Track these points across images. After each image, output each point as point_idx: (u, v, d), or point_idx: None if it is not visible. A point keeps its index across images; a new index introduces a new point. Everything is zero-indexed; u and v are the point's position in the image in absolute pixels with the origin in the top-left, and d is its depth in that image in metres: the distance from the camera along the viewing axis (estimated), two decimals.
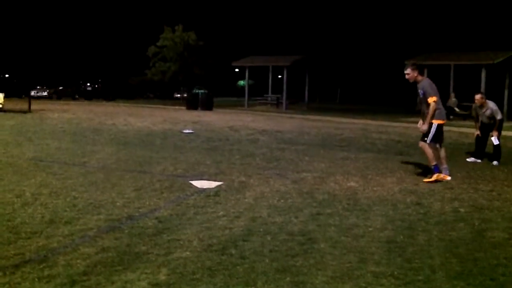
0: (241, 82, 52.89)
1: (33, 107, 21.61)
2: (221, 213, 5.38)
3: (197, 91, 31.28)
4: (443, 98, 28.16)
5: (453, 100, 24.56)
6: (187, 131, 14.54)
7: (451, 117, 24.07)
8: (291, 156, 10.13)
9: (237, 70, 48.67)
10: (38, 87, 47.55)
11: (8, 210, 5.21)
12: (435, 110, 7.38)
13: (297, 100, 36.71)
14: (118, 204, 5.63)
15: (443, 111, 7.76)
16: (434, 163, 7.48)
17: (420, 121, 7.76)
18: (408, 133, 15.96)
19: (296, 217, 5.29)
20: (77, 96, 46.38)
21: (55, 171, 7.44)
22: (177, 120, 18.78)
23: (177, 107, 31.36)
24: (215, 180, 7.12)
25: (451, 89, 26.77)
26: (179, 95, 47.40)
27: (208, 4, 63.03)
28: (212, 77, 47.22)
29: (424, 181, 7.37)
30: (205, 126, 16.73)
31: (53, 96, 45.24)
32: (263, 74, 38.83)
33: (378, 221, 5.26)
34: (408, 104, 31.29)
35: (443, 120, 7.64)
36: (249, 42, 55.21)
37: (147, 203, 5.74)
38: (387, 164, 9.19)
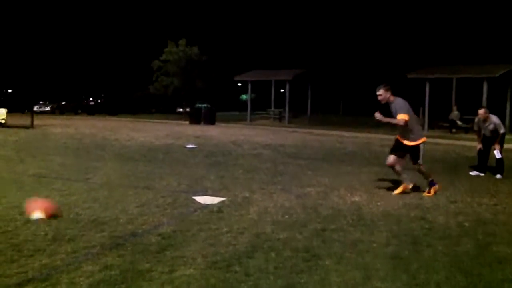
0: (244, 96, 53.08)
1: (36, 122, 21.68)
2: (224, 229, 5.36)
3: (199, 106, 31.35)
4: (446, 111, 28.10)
5: (455, 113, 24.59)
6: (190, 146, 14.56)
7: (453, 130, 24.09)
8: (295, 170, 10.12)
9: (239, 84, 48.88)
10: (40, 102, 47.80)
11: (11, 227, 5.21)
12: (407, 125, 7.31)
13: (299, 113, 36.76)
14: (121, 220, 5.62)
15: (420, 128, 7.92)
16: (431, 178, 7.65)
17: (379, 114, 7.46)
18: None
19: (301, 233, 5.27)
20: (79, 111, 46.56)
21: (58, 188, 7.44)
22: (180, 135, 18.81)
23: (179, 121, 31.43)
24: (218, 196, 7.10)
25: (453, 102, 26.82)
26: (181, 110, 47.57)
27: (211, 19, 63.53)
28: (214, 92, 47.40)
29: (424, 195, 7.47)
30: (208, 140, 16.75)
31: (55, 111, 45.43)
32: (265, 88, 38.98)
33: (382, 236, 5.23)
34: None
35: (424, 137, 7.75)
36: (251, 56, 55.53)
37: (151, 219, 5.72)
38: (391, 178, 9.15)
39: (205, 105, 30.94)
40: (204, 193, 7.31)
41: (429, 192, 7.54)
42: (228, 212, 6.18)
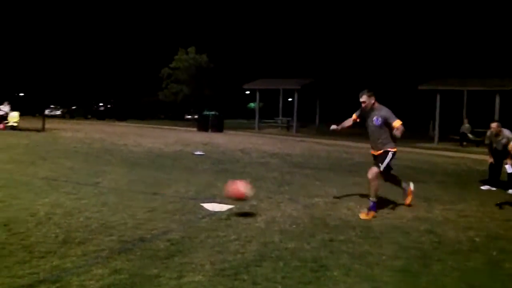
0: (252, 105, 53.21)
1: (46, 126, 21.85)
2: (232, 237, 5.36)
3: (207, 113, 31.45)
4: (457, 124, 27.83)
5: (466, 126, 24.47)
6: (198, 153, 14.59)
7: (464, 143, 23.96)
8: (302, 180, 10.10)
9: (247, 92, 49.04)
10: (51, 106, 48.18)
11: (23, 229, 5.24)
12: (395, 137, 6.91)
13: (307, 123, 36.75)
14: (130, 225, 5.64)
15: None
16: (375, 199, 6.88)
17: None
18: (421, 159, 15.88)
19: (309, 243, 5.26)
20: (89, 116, 46.92)
21: (69, 191, 7.48)
22: (188, 142, 18.86)
23: (187, 128, 31.53)
24: (226, 203, 7.10)
25: (464, 115, 26.71)
26: (189, 117, 47.74)
27: (220, 28, 63.85)
28: (222, 99, 47.55)
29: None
30: (215, 148, 16.78)
31: (66, 115, 45.83)
32: (273, 96, 39.06)
33: (391, 249, 5.20)
34: (420, 130, 31.19)
35: (396, 148, 7.08)
36: (260, 65, 55.71)
37: (159, 225, 5.74)
38: (399, 191, 9.10)
39: (213, 113, 31.03)
40: (212, 200, 7.32)
41: (367, 214, 6.72)
42: (236, 220, 6.18)
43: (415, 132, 31.77)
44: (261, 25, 65.34)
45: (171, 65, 43.72)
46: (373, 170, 6.94)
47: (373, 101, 7.02)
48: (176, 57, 43.09)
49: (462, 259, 4.94)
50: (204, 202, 7.08)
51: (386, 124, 6.88)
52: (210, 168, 11.31)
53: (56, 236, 5.01)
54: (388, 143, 6.97)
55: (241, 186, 6.51)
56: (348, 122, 7.41)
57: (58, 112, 47.06)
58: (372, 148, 7.20)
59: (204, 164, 11.99)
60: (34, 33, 60.22)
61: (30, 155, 12.02)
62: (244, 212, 6.61)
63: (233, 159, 13.55)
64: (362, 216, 6.68)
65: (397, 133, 6.77)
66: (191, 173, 10.28)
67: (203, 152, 14.82)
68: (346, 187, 9.28)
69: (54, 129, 22.02)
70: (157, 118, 50.09)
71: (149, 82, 51.58)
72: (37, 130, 20.43)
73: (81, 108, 50.51)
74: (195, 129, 29.75)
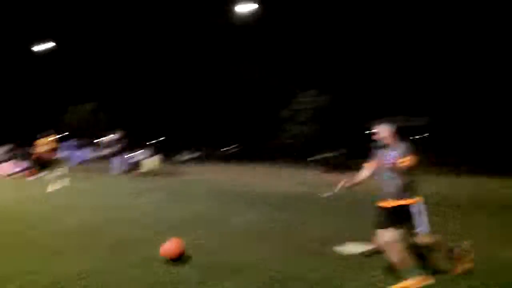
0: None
1: (179, 169, 23.21)
2: (373, 275, 5.16)
3: (330, 154, 31.14)
4: None
5: None
6: (326, 194, 14.37)
7: None
8: (437, 219, 9.46)
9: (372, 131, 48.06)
10: (183, 150, 51.41)
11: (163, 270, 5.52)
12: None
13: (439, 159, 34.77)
14: (265, 266, 5.73)
15: None
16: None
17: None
18: None
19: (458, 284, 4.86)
20: (217, 158, 49.18)
21: (202, 231, 7.80)
22: (313, 183, 18.79)
23: (312, 169, 31.52)
24: (361, 244, 6.88)
25: None
26: (313, 158, 47.85)
27: (340, 67, 63.98)
28: (346, 139, 47.06)
29: None
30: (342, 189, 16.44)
31: (197, 158, 48.50)
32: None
33: None
34: None
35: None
36: (382, 103, 54.45)
37: (298, 266, 5.74)
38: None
39: (336, 153, 30.66)
40: (349, 242, 7.13)
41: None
42: (375, 260, 5.97)
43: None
44: (381, 64, 64.31)
45: (292, 107, 44.62)
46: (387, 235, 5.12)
47: (390, 135, 5.42)
48: (294, 100, 44.03)
49: None
50: (339, 245, 6.92)
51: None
52: (340, 210, 11.09)
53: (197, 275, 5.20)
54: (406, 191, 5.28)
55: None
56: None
57: (190, 156, 49.99)
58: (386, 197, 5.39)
59: (332, 206, 11.79)
60: (168, 81, 65.12)
61: (168, 197, 12.77)
62: (378, 253, 6.35)
63: (364, 199, 13.15)
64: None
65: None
66: (322, 215, 10.17)
67: (330, 193, 14.55)
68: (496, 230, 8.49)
69: (186, 172, 23.31)
70: (281, 160, 50.92)
71: (271, 125, 52.90)
72: (172, 174, 21.76)
73: (209, 151, 53.24)
74: (319, 170, 29.62)
